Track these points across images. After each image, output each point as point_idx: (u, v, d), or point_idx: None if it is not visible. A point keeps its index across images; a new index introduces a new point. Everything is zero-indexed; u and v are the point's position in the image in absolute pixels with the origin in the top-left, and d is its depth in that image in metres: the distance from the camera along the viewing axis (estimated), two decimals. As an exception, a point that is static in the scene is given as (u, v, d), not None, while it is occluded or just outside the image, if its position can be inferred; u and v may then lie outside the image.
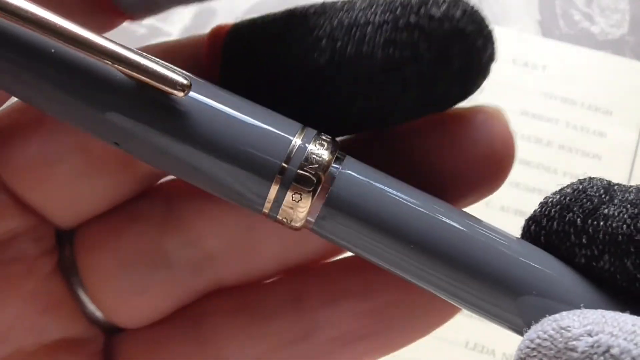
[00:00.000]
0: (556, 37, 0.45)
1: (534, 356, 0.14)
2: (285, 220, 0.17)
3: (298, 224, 0.17)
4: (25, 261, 0.19)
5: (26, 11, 0.15)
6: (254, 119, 0.16)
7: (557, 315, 0.15)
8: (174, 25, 0.46)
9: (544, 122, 0.43)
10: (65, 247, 0.20)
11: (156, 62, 0.15)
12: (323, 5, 0.18)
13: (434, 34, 0.16)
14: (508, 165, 0.18)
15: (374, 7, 0.17)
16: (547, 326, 0.14)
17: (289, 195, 0.16)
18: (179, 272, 0.20)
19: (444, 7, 0.16)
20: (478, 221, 0.17)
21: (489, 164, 0.18)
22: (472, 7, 0.17)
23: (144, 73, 0.15)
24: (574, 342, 0.14)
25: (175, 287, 0.20)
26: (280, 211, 0.16)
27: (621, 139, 0.42)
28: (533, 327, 0.15)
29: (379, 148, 0.19)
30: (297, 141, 0.16)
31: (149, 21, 0.47)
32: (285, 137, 0.16)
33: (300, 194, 0.16)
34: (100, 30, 0.17)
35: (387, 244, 0.16)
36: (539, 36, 0.46)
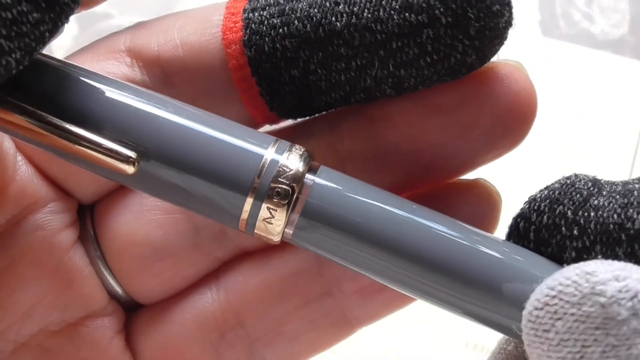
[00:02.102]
0: (556, 37, 0.45)
1: (555, 304, 0.14)
2: (262, 234, 0.17)
3: (276, 238, 0.17)
4: (47, 234, 0.19)
5: None
6: (225, 134, 0.16)
7: (578, 264, 0.14)
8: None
9: (543, 122, 0.43)
10: (86, 221, 0.20)
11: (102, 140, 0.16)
12: None
13: None
14: (530, 119, 0.18)
15: None
16: (570, 272, 0.14)
17: (263, 210, 0.16)
18: (204, 236, 0.20)
19: None
20: (460, 225, 0.17)
21: (512, 117, 0.18)
22: None
23: (94, 149, 0.16)
24: (602, 287, 0.13)
25: (200, 252, 0.20)
26: (256, 226, 0.16)
27: (621, 139, 0.42)
28: (550, 277, 0.14)
29: (400, 105, 0.19)
30: (269, 155, 0.16)
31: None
32: (256, 151, 0.16)
33: (275, 208, 0.16)
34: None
35: (368, 251, 0.16)
36: (539, 36, 0.46)
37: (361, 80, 0.18)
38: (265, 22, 0.18)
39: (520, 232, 0.17)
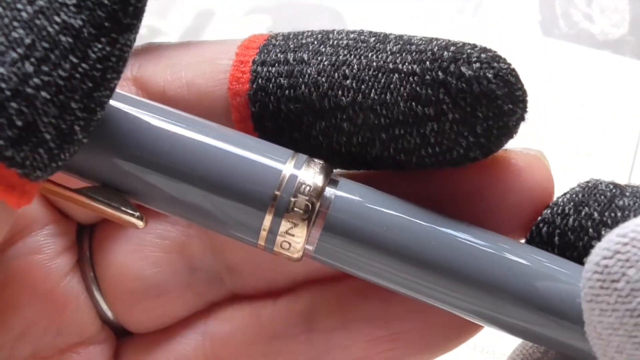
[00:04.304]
0: (556, 37, 0.45)
1: (627, 251, 0.13)
2: (282, 252, 0.16)
3: (296, 255, 0.16)
4: (44, 258, 0.19)
5: None
6: (242, 149, 0.16)
7: None
8: (174, 26, 0.46)
9: (544, 122, 0.43)
10: (84, 244, 0.20)
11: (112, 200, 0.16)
12: (356, 40, 0.17)
13: (460, 95, 0.15)
14: (541, 212, 0.17)
15: (405, 53, 0.16)
16: None
17: (283, 225, 0.16)
18: (199, 278, 0.20)
19: (476, 65, 0.15)
20: (487, 234, 0.16)
21: (524, 211, 0.17)
22: (507, 68, 0.16)
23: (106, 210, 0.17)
24: None
25: (193, 293, 0.20)
26: (276, 242, 0.16)
27: (621, 139, 0.42)
28: (621, 225, 0.14)
29: (408, 183, 0.18)
30: (288, 169, 0.16)
31: (149, 21, 0.47)
32: (275, 166, 0.16)
33: (296, 223, 0.16)
34: None
35: (393, 264, 0.16)
36: (539, 36, 0.46)
37: (362, 156, 0.17)
38: (273, 80, 0.17)
39: (543, 238, 0.16)
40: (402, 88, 0.16)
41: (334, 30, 0.18)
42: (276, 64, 0.17)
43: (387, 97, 0.16)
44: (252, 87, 0.17)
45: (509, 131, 0.16)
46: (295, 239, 0.16)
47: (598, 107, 0.43)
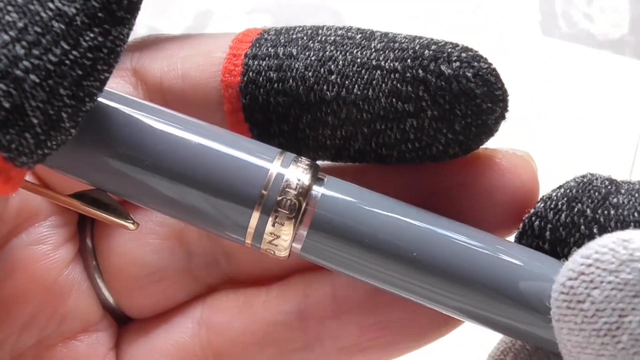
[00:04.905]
0: (556, 37, 0.45)
1: (591, 272, 0.13)
2: (269, 250, 0.16)
3: (283, 253, 0.16)
4: (47, 249, 0.19)
5: None
6: (229, 148, 0.16)
7: (612, 233, 0.14)
8: (174, 26, 0.46)
9: (544, 122, 0.43)
10: (86, 234, 0.20)
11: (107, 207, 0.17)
12: (343, 36, 0.17)
13: (439, 92, 0.16)
14: (525, 214, 0.17)
15: (388, 51, 0.17)
16: (606, 240, 0.13)
17: (270, 224, 0.16)
18: (197, 263, 0.20)
19: (456, 64, 0.16)
20: (476, 232, 0.16)
21: (508, 211, 0.17)
22: (487, 67, 0.16)
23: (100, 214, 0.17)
24: None
25: (191, 277, 0.20)
26: (263, 241, 0.16)
27: (621, 139, 0.42)
28: (585, 246, 0.14)
29: (393, 177, 0.18)
30: (275, 168, 0.16)
31: (150, 21, 0.47)
32: (262, 164, 0.16)
33: (282, 222, 0.16)
34: None
35: (380, 263, 0.16)
36: (539, 36, 0.46)
37: (346, 149, 0.18)
38: (263, 73, 0.18)
39: (534, 232, 0.16)
40: (383, 84, 0.16)
41: (324, 26, 0.18)
42: (267, 58, 0.18)
43: (369, 93, 0.16)
44: (243, 80, 0.18)
45: (489, 129, 0.16)
46: (282, 237, 0.16)
47: (598, 107, 0.43)
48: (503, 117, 0.16)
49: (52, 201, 0.18)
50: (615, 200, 0.16)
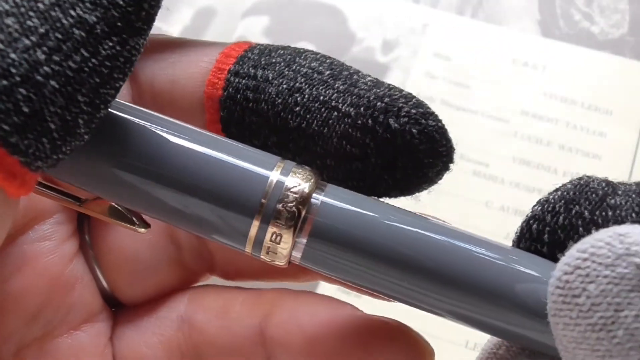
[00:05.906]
0: (556, 37, 0.45)
1: (587, 267, 0.13)
2: (269, 258, 0.16)
3: (282, 262, 0.16)
4: (53, 245, 0.20)
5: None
6: (229, 156, 0.16)
7: (609, 228, 0.14)
8: (174, 26, 0.46)
9: (543, 122, 0.43)
10: (84, 229, 0.21)
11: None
12: (314, 70, 0.18)
13: (384, 143, 0.17)
14: None
15: (347, 95, 0.18)
16: (602, 235, 0.13)
17: (270, 233, 0.16)
18: (185, 255, 0.21)
19: (403, 120, 0.17)
20: (471, 235, 0.16)
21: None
22: (434, 125, 0.17)
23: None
24: (637, 248, 0.13)
25: (181, 267, 0.22)
26: (262, 249, 0.16)
27: (621, 139, 0.42)
28: (581, 240, 0.14)
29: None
30: (274, 176, 0.16)
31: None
32: (262, 173, 0.16)
33: (281, 230, 0.16)
34: None
35: (381, 269, 0.16)
36: (539, 36, 0.46)
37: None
38: (241, 91, 0.18)
39: (532, 235, 0.16)
40: (337, 126, 0.17)
41: (303, 53, 0.19)
42: (246, 77, 0.19)
43: (325, 131, 0.18)
44: (224, 95, 0.19)
45: (429, 180, 0.18)
46: (282, 245, 0.16)
47: (598, 107, 0.43)
48: (447, 169, 0.18)
49: (63, 204, 0.19)
50: (612, 201, 0.16)
